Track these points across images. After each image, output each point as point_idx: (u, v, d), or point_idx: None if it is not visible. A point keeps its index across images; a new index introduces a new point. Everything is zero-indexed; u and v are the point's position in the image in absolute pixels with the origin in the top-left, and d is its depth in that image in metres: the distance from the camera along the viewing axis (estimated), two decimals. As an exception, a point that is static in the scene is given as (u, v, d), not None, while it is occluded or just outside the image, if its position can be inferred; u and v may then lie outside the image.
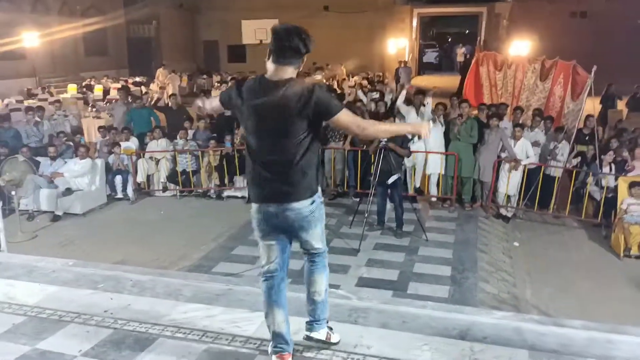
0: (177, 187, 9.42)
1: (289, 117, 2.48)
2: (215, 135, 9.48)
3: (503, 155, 7.67)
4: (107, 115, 11.22)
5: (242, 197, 9.07)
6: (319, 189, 2.73)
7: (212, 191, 9.34)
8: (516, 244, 7.00)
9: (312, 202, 2.63)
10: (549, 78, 9.81)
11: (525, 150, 7.64)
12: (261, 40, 21.64)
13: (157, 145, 9.55)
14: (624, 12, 19.88)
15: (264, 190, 2.62)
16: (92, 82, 19.64)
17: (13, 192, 7.75)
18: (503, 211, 7.76)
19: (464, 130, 7.68)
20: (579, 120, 7.87)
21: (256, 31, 21.48)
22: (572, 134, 7.81)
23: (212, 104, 2.97)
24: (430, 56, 24.79)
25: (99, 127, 10.49)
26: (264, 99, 2.54)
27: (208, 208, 8.94)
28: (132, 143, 9.56)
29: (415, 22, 24.10)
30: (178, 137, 9.55)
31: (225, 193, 9.27)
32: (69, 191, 8.43)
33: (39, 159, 8.97)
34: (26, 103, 14.30)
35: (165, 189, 9.49)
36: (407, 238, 6.88)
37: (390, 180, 6.57)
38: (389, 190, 6.80)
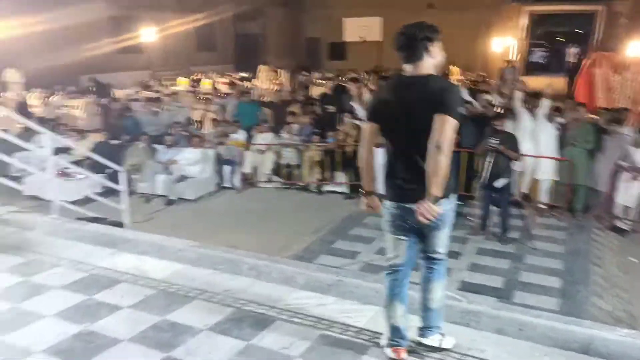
0: (280, 180, 9.74)
1: (428, 113, 2.49)
2: (318, 131, 9.68)
3: (623, 163, 7.17)
4: (219, 108, 11.81)
5: (342, 193, 9.23)
6: (455, 191, 2.73)
7: (312, 185, 9.55)
8: (634, 260, 6.53)
9: (448, 203, 2.64)
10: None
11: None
12: (363, 38, 21.70)
13: (263, 138, 9.93)
14: None
15: (402, 188, 2.66)
16: (201, 77, 20.73)
17: (134, 176, 8.43)
18: (619, 224, 7.25)
19: (579, 135, 7.28)
20: None
21: (358, 29, 21.55)
22: None
23: (366, 134, 2.80)
24: (538, 56, 23.60)
25: (212, 119, 11.09)
26: (405, 95, 2.58)
27: (308, 201, 9.15)
28: (241, 135, 9.99)
29: (523, 20, 23.04)
30: (283, 131, 9.89)
31: (326, 187, 9.45)
32: (182, 178, 9.00)
33: (156, 146, 9.66)
34: (143, 94, 15.43)
35: (269, 181, 9.84)
36: (512, 245, 6.64)
37: (499, 184, 6.38)
38: (495, 194, 6.60)
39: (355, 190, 8.97)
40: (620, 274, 6.26)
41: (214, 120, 11.11)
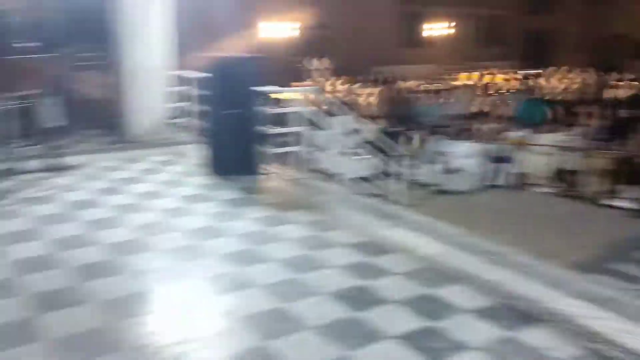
0: (557, 185, 9.09)
1: None
2: (613, 136, 8.69)
3: None
4: (506, 104, 11.59)
5: (624, 209, 8.13)
6: None
7: (590, 195, 8.62)
8: None
9: None
10: None
11: None
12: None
13: (547, 138, 9.38)
14: None
15: None
16: (485, 72, 20.42)
17: (410, 163, 8.91)
18: None
19: None
20: None
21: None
22: None
23: None
24: None
25: (497, 115, 10.95)
26: None
27: (583, 212, 8.28)
28: (522, 133, 9.63)
29: None
30: (570, 133, 9.19)
31: (605, 200, 8.45)
32: (456, 170, 9.15)
33: (434, 136, 10.01)
34: (425, 87, 16.04)
35: (544, 185, 9.27)
36: None
37: None
38: None
39: (645, 208, 7.85)
40: None
41: (498, 116, 10.95)
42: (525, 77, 19.67)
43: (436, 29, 20.91)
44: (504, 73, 20.25)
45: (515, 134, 9.64)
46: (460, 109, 12.26)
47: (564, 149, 9.02)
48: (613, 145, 8.54)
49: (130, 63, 6.82)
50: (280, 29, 15.95)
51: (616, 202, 8.33)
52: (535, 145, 9.37)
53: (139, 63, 6.78)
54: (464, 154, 9.31)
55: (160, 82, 6.99)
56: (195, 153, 6.74)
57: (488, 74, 20.09)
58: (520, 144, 9.45)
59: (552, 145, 9.19)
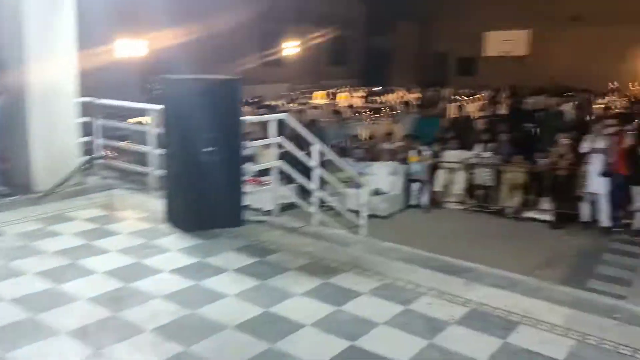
0: (472, 202, 9.17)
1: None
2: (519, 150, 9.03)
3: None
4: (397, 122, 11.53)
5: (544, 222, 8.45)
6: None
7: (509, 210, 8.84)
8: None
9: None
10: None
11: None
12: (507, 53, 20.83)
13: (454, 156, 9.43)
14: None
15: None
16: (336, 91, 20.69)
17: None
18: None
19: None
20: None
21: (501, 43, 20.71)
22: None
23: None
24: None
25: (386, 134, 10.77)
26: None
27: (507, 228, 8.39)
28: (432, 151, 9.56)
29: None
30: (476, 149, 9.35)
31: (525, 214, 8.73)
32: (376, 192, 8.67)
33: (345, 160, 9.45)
34: (289, 106, 15.54)
35: (460, 202, 9.29)
36: None
37: None
38: None
39: (563, 219, 8.24)
40: None
41: (387, 134, 10.78)
42: (372, 95, 20.40)
43: (289, 47, 20.67)
44: (354, 91, 20.74)
45: (426, 153, 9.52)
46: (348, 130, 11.93)
47: (476, 165, 9.13)
48: (520, 159, 8.84)
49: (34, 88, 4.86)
50: (134, 47, 14.05)
51: (536, 215, 8.62)
52: (448, 162, 9.35)
53: (42, 88, 4.87)
54: (382, 175, 8.93)
55: (69, 112, 5.14)
56: (132, 202, 5.12)
57: (338, 92, 20.37)
58: (434, 162, 9.36)
59: (463, 162, 9.25)
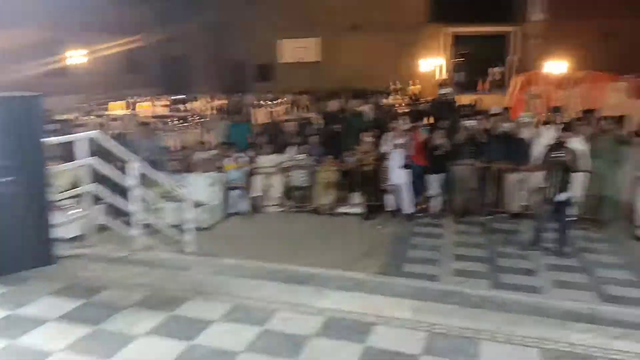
0: (291, 203, 9.38)
1: None
2: (329, 150, 9.48)
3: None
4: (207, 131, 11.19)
5: (356, 215, 9.05)
6: None
7: (324, 207, 9.26)
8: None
9: None
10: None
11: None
12: (302, 59, 21.86)
13: (269, 160, 9.53)
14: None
15: None
16: (136, 100, 19.51)
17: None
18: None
19: (605, 147, 7.79)
20: None
21: (296, 50, 21.71)
22: None
23: None
24: (461, 75, 25.16)
25: (200, 142, 10.46)
26: None
27: (326, 224, 8.81)
28: (248, 157, 9.51)
29: (446, 41, 24.50)
30: (289, 152, 9.57)
31: (340, 210, 9.23)
32: (197, 204, 8.32)
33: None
34: (85, 119, 14.17)
35: (279, 205, 9.42)
36: (574, 259, 6.77)
37: (563, 198, 6.63)
38: (556, 208, 6.79)
39: (373, 211, 8.92)
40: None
41: (201, 143, 10.49)
42: (175, 103, 19.75)
43: (75, 56, 18.80)
44: (156, 100, 19.81)
45: (242, 160, 9.44)
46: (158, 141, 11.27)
47: (291, 167, 9.35)
48: (330, 159, 9.30)
49: None
50: None
51: (348, 210, 9.15)
52: (264, 167, 9.40)
53: None
54: (201, 186, 8.60)
55: None
56: None
57: (139, 101, 19.27)
58: (251, 168, 9.34)
59: (279, 166, 9.41)
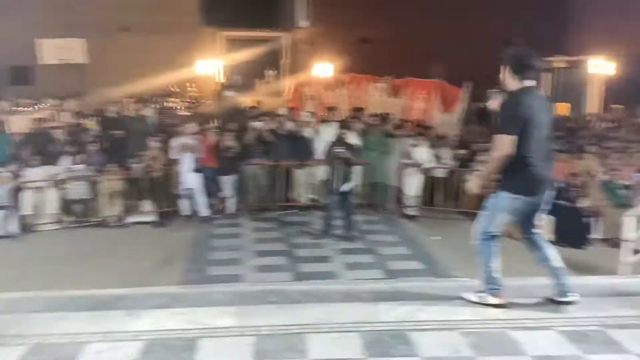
0: (71, 218, 8.45)
1: None
2: (112, 159, 8.77)
3: (406, 161, 8.89)
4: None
5: (148, 223, 8.60)
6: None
7: (112, 219, 8.57)
8: (437, 237, 7.87)
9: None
10: (402, 94, 11.51)
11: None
12: (65, 61, 19.81)
13: (37, 173, 8.42)
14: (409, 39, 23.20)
15: (541, 184, 3.33)
16: None
17: None
18: (408, 211, 8.83)
19: (376, 141, 8.77)
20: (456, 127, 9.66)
21: (58, 51, 19.59)
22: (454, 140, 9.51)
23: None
24: (238, 78, 25.54)
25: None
26: (548, 107, 3.33)
27: (116, 237, 8.16)
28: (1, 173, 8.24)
29: (221, 44, 24.64)
30: (62, 162, 8.61)
31: (130, 219, 8.65)
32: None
33: None
34: None
35: (57, 222, 8.38)
36: (361, 241, 7.48)
37: (347, 188, 7.27)
38: (341, 198, 7.41)
39: (165, 217, 8.58)
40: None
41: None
42: None
43: None
44: None
45: (3, 175, 8.15)
46: None
47: (66, 179, 8.42)
48: (114, 167, 8.63)
49: None
50: None
51: (136, 219, 8.61)
52: (33, 182, 8.27)
53: None
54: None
55: None
56: None
57: None
58: (17, 184, 8.14)
59: (52, 179, 8.40)
